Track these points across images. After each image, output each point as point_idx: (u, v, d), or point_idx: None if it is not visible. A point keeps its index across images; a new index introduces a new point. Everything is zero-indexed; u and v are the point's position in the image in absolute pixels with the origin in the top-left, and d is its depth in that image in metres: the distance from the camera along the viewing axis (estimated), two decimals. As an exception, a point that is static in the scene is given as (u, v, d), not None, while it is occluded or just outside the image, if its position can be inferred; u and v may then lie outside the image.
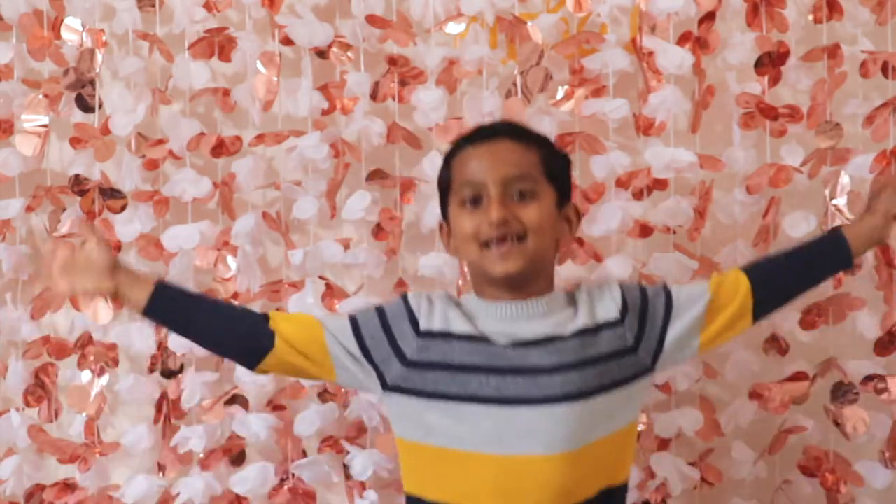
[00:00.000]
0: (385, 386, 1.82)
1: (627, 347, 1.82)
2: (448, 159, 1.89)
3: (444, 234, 1.90)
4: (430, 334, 1.81)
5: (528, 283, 1.81)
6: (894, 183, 1.93)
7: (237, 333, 1.85)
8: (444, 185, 1.88)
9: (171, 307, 1.83)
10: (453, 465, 1.78)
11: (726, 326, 1.88)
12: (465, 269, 2.32)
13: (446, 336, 1.80)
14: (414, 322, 1.82)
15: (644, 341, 1.83)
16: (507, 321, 1.81)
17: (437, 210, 2.28)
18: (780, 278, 1.92)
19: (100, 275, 1.81)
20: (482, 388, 1.76)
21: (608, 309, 1.83)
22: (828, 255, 1.93)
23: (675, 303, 1.86)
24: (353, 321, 1.84)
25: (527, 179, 1.80)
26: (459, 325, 1.80)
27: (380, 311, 1.85)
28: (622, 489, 1.85)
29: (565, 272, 2.37)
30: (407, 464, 1.87)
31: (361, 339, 1.83)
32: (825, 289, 2.33)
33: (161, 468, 2.44)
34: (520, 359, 1.77)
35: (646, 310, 1.85)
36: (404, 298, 1.86)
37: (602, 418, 1.79)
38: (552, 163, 1.85)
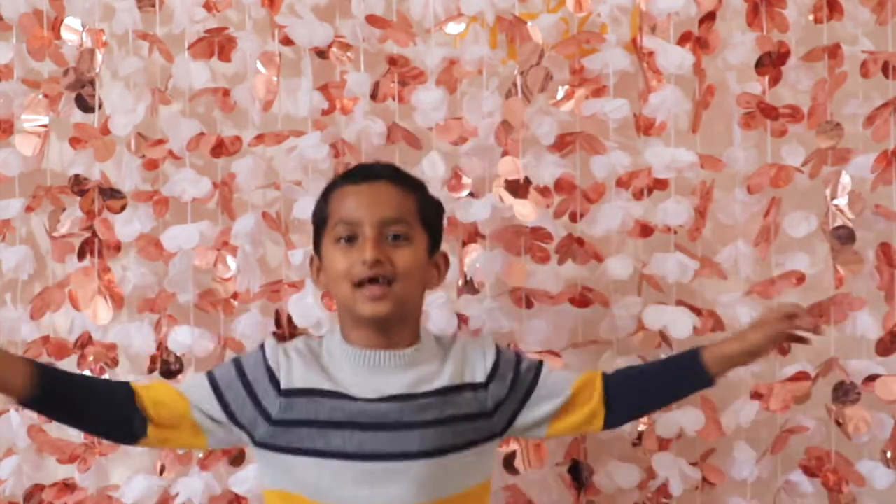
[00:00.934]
0: (254, 442, 1.86)
1: (485, 412, 1.88)
2: (326, 194, 1.92)
3: (315, 268, 1.93)
4: (291, 392, 1.83)
5: (394, 327, 1.85)
6: (778, 320, 1.92)
7: (115, 420, 1.82)
8: (320, 220, 1.91)
9: (51, 396, 1.76)
10: None
11: (574, 426, 1.96)
12: (468, 265, 2.34)
13: (309, 393, 1.83)
14: (274, 381, 1.84)
15: (502, 409, 1.89)
16: (371, 370, 1.84)
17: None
18: (635, 392, 1.97)
19: None
20: (345, 444, 1.80)
21: (476, 371, 1.89)
22: (684, 375, 1.95)
23: (537, 388, 1.92)
24: (215, 387, 1.86)
25: (402, 223, 1.84)
26: (321, 383, 1.83)
27: (239, 370, 1.87)
28: None
29: (566, 272, 2.38)
30: None
31: (226, 404, 1.85)
32: (827, 289, 2.33)
33: (160, 468, 2.43)
34: (381, 415, 1.81)
35: (515, 380, 1.91)
36: (262, 351, 1.87)
37: (456, 475, 1.84)
38: (427, 209, 1.90)
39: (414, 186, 1.92)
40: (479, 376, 1.88)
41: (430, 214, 1.91)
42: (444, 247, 2.25)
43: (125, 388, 1.85)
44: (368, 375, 1.84)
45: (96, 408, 1.81)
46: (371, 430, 1.80)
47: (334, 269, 1.84)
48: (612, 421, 1.96)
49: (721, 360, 1.91)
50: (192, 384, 1.90)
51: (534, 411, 1.91)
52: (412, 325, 1.89)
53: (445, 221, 2.03)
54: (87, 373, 2.44)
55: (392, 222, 1.83)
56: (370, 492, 1.79)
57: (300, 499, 1.82)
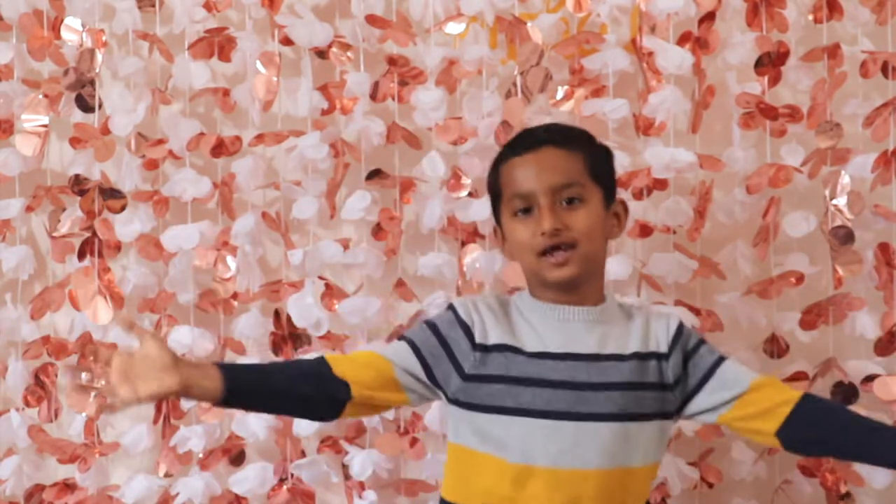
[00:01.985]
0: (447, 398, 1.86)
1: (667, 384, 1.86)
2: (495, 168, 1.92)
3: (499, 238, 1.94)
4: (485, 348, 1.83)
5: (582, 285, 1.85)
6: None
7: (314, 396, 1.80)
8: (495, 194, 1.91)
9: (245, 390, 1.74)
10: (505, 475, 1.80)
11: (745, 418, 1.86)
12: (468, 265, 2.34)
13: (501, 349, 1.83)
14: (469, 336, 1.84)
15: (679, 386, 1.87)
16: (560, 323, 1.84)
17: (437, 210, 2.33)
18: (826, 425, 1.85)
19: (163, 373, 1.64)
20: (534, 401, 1.80)
21: (660, 340, 1.87)
22: (888, 445, 1.81)
23: (714, 376, 1.87)
24: (413, 345, 1.86)
25: (574, 185, 1.83)
26: (512, 339, 1.84)
27: (433, 328, 1.87)
28: None
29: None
30: (453, 471, 1.88)
31: (425, 361, 1.85)
32: (826, 289, 2.33)
33: (161, 468, 2.43)
34: (570, 373, 1.81)
35: (692, 359, 1.88)
36: (453, 311, 1.87)
37: (640, 445, 1.83)
38: (596, 163, 1.88)
39: (579, 143, 1.90)
40: (663, 346, 1.87)
41: (600, 168, 1.89)
42: (445, 246, 2.27)
43: (321, 362, 1.83)
44: (558, 330, 1.84)
45: (300, 389, 1.79)
46: (560, 388, 1.80)
47: (517, 240, 1.85)
48: (787, 435, 1.84)
49: None
50: (393, 348, 1.90)
51: (710, 397, 1.86)
52: (598, 281, 1.89)
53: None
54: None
55: (563, 187, 1.82)
56: (557, 451, 1.79)
57: (486, 457, 1.82)
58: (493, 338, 1.84)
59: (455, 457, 1.89)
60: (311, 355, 2.01)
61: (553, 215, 1.80)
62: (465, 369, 1.83)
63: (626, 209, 1.93)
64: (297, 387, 1.79)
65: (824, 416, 1.85)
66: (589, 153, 1.88)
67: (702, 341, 1.91)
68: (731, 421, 1.88)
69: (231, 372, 1.73)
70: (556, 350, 1.82)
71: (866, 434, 1.83)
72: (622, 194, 2.31)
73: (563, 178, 1.83)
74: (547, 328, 1.84)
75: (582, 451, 1.79)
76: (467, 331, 1.84)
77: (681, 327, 1.89)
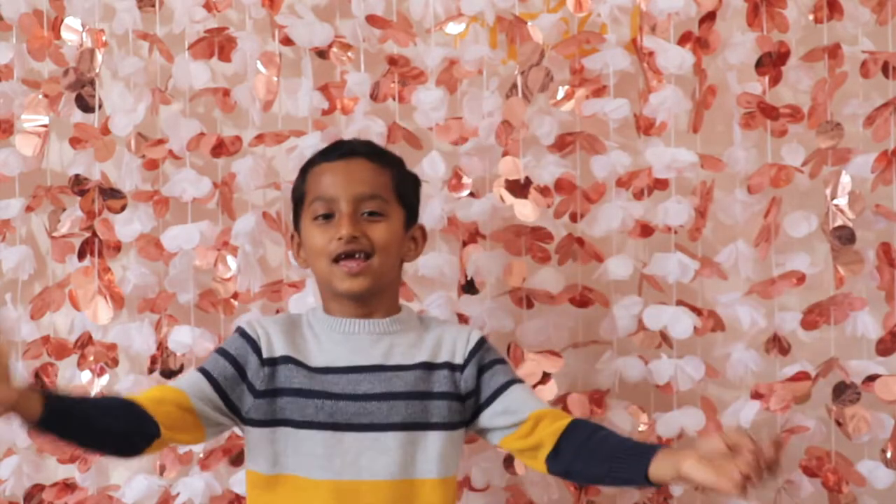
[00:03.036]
0: (243, 420, 1.89)
1: (458, 394, 1.89)
2: (303, 172, 1.96)
3: (295, 245, 1.97)
4: (272, 361, 1.87)
5: (372, 300, 1.89)
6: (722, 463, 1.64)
7: (126, 432, 1.79)
8: (298, 197, 1.95)
9: (62, 414, 1.69)
10: (294, 493, 1.84)
11: (520, 450, 1.92)
12: (469, 264, 2.33)
13: (287, 361, 1.87)
14: (257, 351, 1.89)
15: (471, 398, 1.90)
16: (345, 337, 1.88)
17: (437, 211, 2.32)
18: (585, 448, 1.83)
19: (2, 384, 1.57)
20: (317, 414, 1.84)
21: (456, 351, 1.91)
22: (631, 459, 1.77)
23: (503, 395, 1.90)
24: (206, 373, 1.89)
25: (378, 199, 1.89)
26: (299, 352, 1.88)
27: (223, 353, 1.90)
28: None
29: (566, 272, 2.38)
30: (252, 498, 1.91)
31: (219, 386, 1.88)
32: (827, 289, 2.33)
33: (161, 468, 2.43)
34: (352, 385, 1.84)
35: (483, 373, 1.91)
36: (240, 331, 1.92)
37: (428, 457, 1.85)
38: (403, 184, 1.94)
39: (390, 162, 1.96)
40: (458, 357, 1.91)
41: (406, 189, 1.95)
42: (445, 246, 2.27)
43: (128, 400, 1.83)
44: (343, 343, 1.88)
45: (114, 424, 1.77)
46: (342, 399, 1.84)
47: (313, 245, 1.89)
48: (553, 464, 1.86)
49: (669, 472, 1.71)
50: (186, 379, 1.92)
51: (493, 419, 1.90)
52: (390, 298, 1.94)
53: (444, 220, 2.05)
54: (87, 376, 2.44)
55: (367, 198, 1.88)
56: (341, 464, 1.82)
57: (277, 478, 1.85)
58: (279, 351, 1.87)
59: (251, 483, 1.91)
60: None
61: (352, 223, 1.85)
62: (256, 386, 1.87)
63: (424, 235, 1.98)
64: (112, 420, 1.77)
65: (583, 443, 1.84)
66: (398, 173, 1.94)
67: (501, 360, 1.95)
68: (509, 447, 1.93)
69: (53, 396, 1.69)
70: (340, 364, 1.85)
71: (610, 453, 1.80)
72: (622, 194, 2.33)
73: (369, 190, 1.88)
74: (331, 342, 1.88)
75: (367, 463, 1.82)
76: (255, 347, 1.88)
77: (481, 341, 1.93)
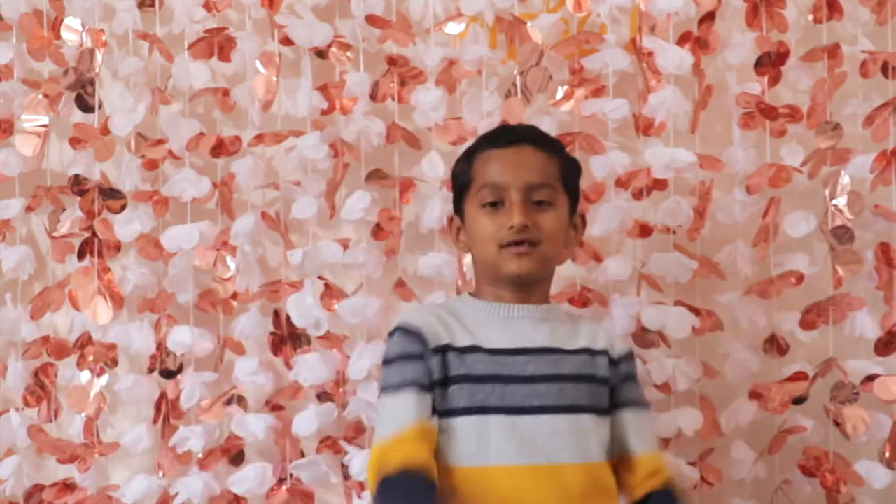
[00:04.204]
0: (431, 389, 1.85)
1: (611, 383, 1.90)
2: (469, 157, 1.93)
3: (454, 228, 1.95)
4: (440, 350, 1.84)
5: (533, 285, 1.88)
6: None
7: None
8: (463, 183, 1.92)
9: None
10: (470, 485, 1.80)
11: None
12: (469, 265, 2.33)
13: (454, 350, 1.84)
14: (423, 344, 1.84)
15: (613, 393, 1.92)
16: (505, 322, 1.86)
17: (437, 211, 2.32)
18: None
19: None
20: (488, 398, 1.81)
21: (614, 346, 1.93)
22: None
23: (631, 410, 1.92)
24: (418, 385, 1.82)
25: (547, 187, 1.87)
26: (460, 339, 1.85)
27: (405, 357, 1.84)
28: None
29: (566, 272, 2.38)
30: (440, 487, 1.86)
31: (431, 386, 1.83)
32: (826, 289, 2.33)
33: (160, 468, 2.43)
34: (520, 367, 1.83)
35: (627, 379, 1.93)
36: (403, 331, 1.86)
37: (597, 440, 1.85)
38: (568, 172, 1.93)
39: (557, 149, 1.95)
40: (615, 353, 1.91)
41: (571, 177, 1.94)
42: (445, 247, 2.27)
43: (428, 483, 1.76)
44: (503, 328, 1.86)
45: None
46: (512, 382, 1.82)
47: (481, 232, 1.87)
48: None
49: None
50: (410, 407, 1.81)
51: (615, 428, 1.91)
52: (547, 285, 1.94)
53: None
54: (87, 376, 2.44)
55: (537, 187, 1.87)
56: (516, 449, 1.79)
57: (455, 470, 1.81)
58: (445, 339, 1.85)
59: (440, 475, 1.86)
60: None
61: (524, 211, 1.84)
62: (435, 375, 1.83)
63: (584, 223, 1.98)
64: None
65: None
66: (564, 161, 1.93)
67: (636, 377, 1.96)
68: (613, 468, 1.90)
69: None
70: (505, 345, 1.84)
71: None
72: (622, 194, 2.33)
73: (539, 178, 1.87)
74: (491, 328, 1.86)
75: (541, 447, 1.80)
76: (422, 340, 1.84)
77: (632, 352, 1.95)
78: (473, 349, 1.84)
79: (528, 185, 1.86)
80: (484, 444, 1.80)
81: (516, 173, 1.86)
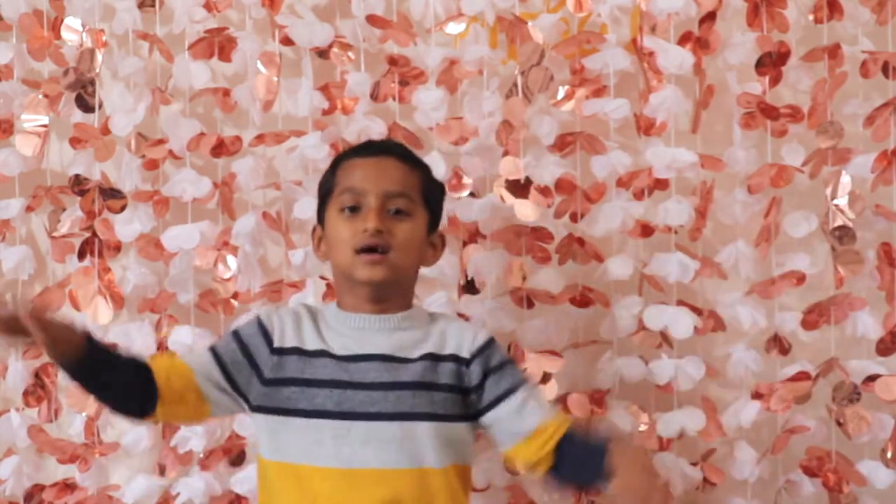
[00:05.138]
0: (251, 407, 1.92)
1: (464, 387, 1.90)
2: (334, 166, 1.99)
3: (316, 237, 1.99)
4: (282, 351, 1.90)
5: (387, 294, 1.92)
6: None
7: (127, 396, 1.88)
8: (326, 190, 1.97)
9: (96, 354, 1.83)
10: (300, 481, 1.85)
11: (523, 464, 1.92)
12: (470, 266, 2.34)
13: (297, 352, 1.89)
14: (268, 340, 1.92)
15: (476, 395, 1.91)
16: (357, 331, 1.90)
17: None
18: (575, 459, 1.88)
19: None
20: (326, 403, 1.85)
21: (462, 346, 1.92)
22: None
23: (506, 401, 1.91)
24: (215, 353, 1.93)
25: (405, 197, 1.92)
26: (310, 342, 1.90)
27: (236, 336, 1.94)
28: None
29: (566, 272, 2.38)
30: (262, 485, 1.93)
31: (226, 369, 1.91)
32: (827, 289, 2.33)
33: (161, 468, 2.43)
34: (361, 373, 1.86)
35: (490, 375, 1.91)
36: (257, 319, 1.95)
37: (433, 447, 1.86)
38: (430, 189, 1.98)
39: (420, 165, 1.99)
40: (465, 352, 1.91)
41: (432, 194, 1.98)
42: (446, 245, 2.26)
43: (142, 365, 1.89)
44: (355, 336, 1.90)
45: (117, 380, 1.86)
46: (350, 388, 1.86)
47: (337, 236, 1.91)
48: (551, 480, 1.93)
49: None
50: (195, 356, 1.97)
51: (497, 424, 1.92)
52: (404, 296, 1.96)
53: (444, 220, 2.08)
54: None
55: (395, 196, 1.91)
56: (350, 453, 1.83)
57: (284, 466, 1.87)
58: (290, 341, 1.90)
59: (261, 470, 1.93)
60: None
61: (379, 217, 1.88)
62: (265, 374, 1.89)
63: (443, 243, 2.02)
64: (127, 372, 1.86)
65: (576, 455, 1.87)
66: (426, 177, 1.98)
67: (507, 362, 1.96)
68: (515, 457, 1.92)
69: (93, 343, 1.82)
70: (348, 353, 1.88)
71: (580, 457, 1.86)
72: (623, 194, 2.33)
73: (398, 187, 1.91)
74: (344, 335, 1.90)
75: (374, 454, 1.83)
76: (267, 337, 1.92)
77: (490, 341, 1.94)
78: (321, 353, 1.89)
79: (386, 192, 1.90)
80: (317, 446, 1.84)
81: (376, 181, 1.90)
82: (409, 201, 1.92)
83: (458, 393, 1.90)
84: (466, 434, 1.92)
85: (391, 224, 1.89)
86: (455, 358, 1.91)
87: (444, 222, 2.27)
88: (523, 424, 1.90)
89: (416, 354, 1.89)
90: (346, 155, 2.01)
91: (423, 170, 1.99)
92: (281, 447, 1.87)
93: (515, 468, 2.01)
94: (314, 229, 2.00)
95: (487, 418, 1.92)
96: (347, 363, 1.87)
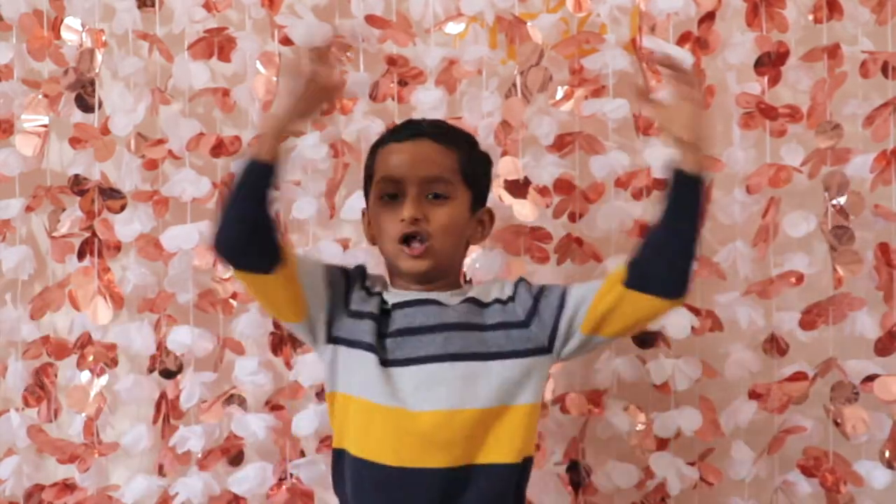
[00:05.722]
0: (329, 337, 1.88)
1: (516, 321, 1.88)
2: (373, 151, 1.98)
3: (366, 221, 1.98)
4: (370, 291, 1.92)
5: (435, 279, 1.91)
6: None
7: (269, 231, 1.82)
8: (367, 176, 1.97)
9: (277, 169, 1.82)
10: (362, 415, 1.84)
11: (603, 307, 1.84)
12: (468, 264, 2.33)
13: (384, 301, 1.90)
14: (362, 280, 1.93)
15: (535, 320, 1.88)
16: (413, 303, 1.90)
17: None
18: (649, 243, 1.84)
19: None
20: (394, 352, 1.85)
21: (500, 291, 1.93)
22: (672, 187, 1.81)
23: (567, 299, 1.88)
24: (323, 266, 1.92)
25: (442, 182, 1.89)
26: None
27: (340, 267, 1.95)
28: (513, 470, 1.86)
29: (565, 272, 2.38)
30: (333, 417, 1.91)
31: (329, 282, 1.89)
32: (826, 289, 2.33)
33: (160, 468, 2.43)
34: (406, 320, 1.86)
35: (540, 295, 1.90)
36: (361, 269, 1.96)
37: (499, 385, 1.84)
38: (471, 166, 1.94)
39: (457, 143, 1.95)
40: (506, 293, 1.91)
41: (473, 171, 1.94)
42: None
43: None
44: (417, 305, 1.90)
45: (269, 213, 1.82)
46: (415, 334, 1.85)
47: (379, 225, 1.91)
48: (635, 272, 1.81)
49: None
50: (304, 254, 1.98)
51: (574, 311, 1.86)
52: (452, 277, 1.95)
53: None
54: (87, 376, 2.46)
55: (432, 180, 1.88)
56: (404, 396, 1.82)
57: (347, 398, 1.86)
58: (379, 289, 1.92)
59: (330, 405, 1.91)
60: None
61: (416, 205, 1.87)
62: (351, 305, 1.89)
63: (491, 218, 1.98)
64: (269, 210, 1.82)
65: (644, 247, 1.83)
66: (465, 154, 1.94)
67: (544, 286, 1.93)
68: (597, 310, 1.85)
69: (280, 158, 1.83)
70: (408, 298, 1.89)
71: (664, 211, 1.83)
72: (621, 194, 2.33)
73: (434, 172, 1.89)
74: (405, 305, 1.90)
75: (425, 393, 1.82)
76: (362, 276, 1.94)
77: (521, 279, 1.95)
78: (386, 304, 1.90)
79: (423, 178, 1.88)
80: (380, 385, 1.82)
81: (411, 167, 1.89)
82: (446, 184, 1.89)
83: (514, 327, 1.87)
84: (541, 371, 1.88)
85: (429, 210, 1.87)
86: (498, 301, 1.91)
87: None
88: (588, 292, 1.86)
89: (461, 298, 1.90)
90: (383, 139, 1.98)
91: (462, 147, 1.95)
92: (349, 381, 1.86)
93: (613, 308, 1.84)
94: (363, 213, 1.99)
95: (563, 321, 1.86)
96: (392, 312, 1.88)
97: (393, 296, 1.91)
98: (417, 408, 1.82)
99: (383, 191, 1.90)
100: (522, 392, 1.85)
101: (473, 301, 1.90)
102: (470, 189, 1.92)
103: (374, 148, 1.98)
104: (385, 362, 1.83)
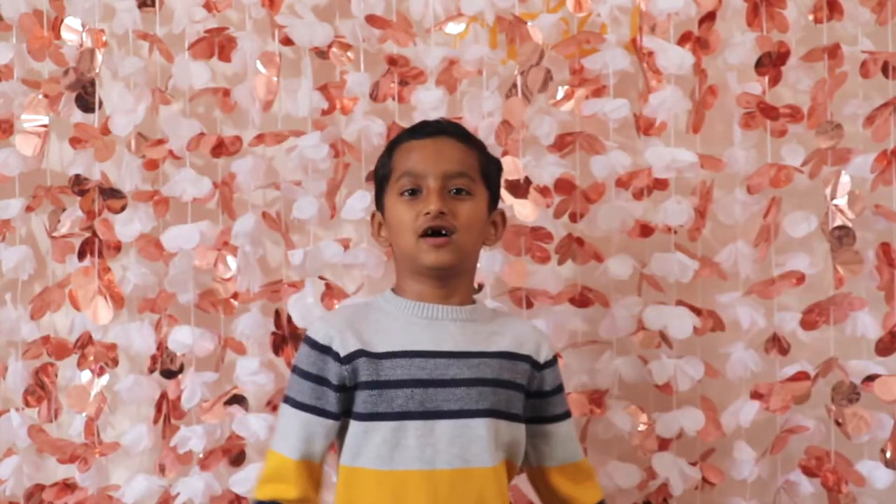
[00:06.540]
0: (335, 417, 1.85)
1: (531, 391, 1.91)
2: (390, 149, 1.95)
3: (376, 223, 1.95)
4: (350, 358, 1.82)
5: (452, 279, 1.88)
6: None
7: None
8: (383, 175, 1.93)
9: None
10: (382, 487, 1.81)
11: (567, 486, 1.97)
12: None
13: (367, 355, 1.82)
14: (332, 354, 1.83)
15: (542, 400, 1.94)
16: (426, 322, 1.86)
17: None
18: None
19: None
20: (407, 403, 1.81)
21: (540, 350, 1.92)
22: None
23: (558, 424, 1.95)
24: (307, 408, 1.84)
25: (465, 177, 1.87)
26: (374, 344, 1.83)
27: (302, 374, 1.85)
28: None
29: (566, 272, 2.38)
30: (341, 494, 1.87)
31: (323, 411, 1.84)
32: (826, 289, 2.33)
33: (161, 468, 2.43)
34: (440, 371, 1.82)
35: (560, 388, 1.96)
36: (311, 343, 1.85)
37: (507, 444, 1.86)
38: (488, 167, 1.94)
39: (475, 143, 1.96)
40: (541, 357, 1.91)
41: (490, 172, 1.94)
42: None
43: None
44: (424, 327, 1.85)
45: None
46: (431, 386, 1.81)
47: (398, 220, 1.86)
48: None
49: None
50: (296, 437, 1.85)
51: (555, 438, 1.95)
52: (468, 282, 1.92)
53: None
54: (87, 376, 2.45)
55: (455, 176, 1.86)
56: (433, 453, 1.80)
57: (365, 472, 1.82)
58: (354, 345, 1.83)
59: (341, 478, 1.87)
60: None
61: (440, 198, 1.84)
62: (336, 383, 1.83)
63: (504, 220, 1.97)
64: None
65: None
66: (483, 155, 1.94)
67: (562, 386, 1.98)
68: (555, 481, 1.96)
69: None
70: (424, 348, 1.83)
71: None
72: (622, 194, 2.34)
73: (457, 167, 1.87)
74: (412, 326, 1.85)
75: (458, 450, 1.80)
76: (328, 351, 1.83)
77: (555, 358, 1.95)
78: (391, 355, 1.83)
79: (446, 173, 1.86)
80: (403, 450, 1.80)
81: (435, 162, 1.86)
82: (469, 180, 1.87)
83: (523, 393, 1.89)
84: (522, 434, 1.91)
85: (453, 205, 1.84)
86: (531, 361, 1.90)
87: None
88: (574, 449, 1.96)
89: (493, 349, 1.87)
90: (401, 138, 1.95)
91: (480, 148, 1.95)
92: (365, 454, 1.82)
93: (548, 483, 1.98)
94: (373, 215, 1.96)
95: (548, 428, 1.93)
96: (423, 360, 1.82)
97: (407, 311, 1.87)
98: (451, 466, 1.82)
99: (404, 186, 1.86)
100: (521, 449, 1.92)
101: (506, 356, 1.87)
102: (488, 189, 1.91)
103: (390, 147, 1.95)
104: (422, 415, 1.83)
